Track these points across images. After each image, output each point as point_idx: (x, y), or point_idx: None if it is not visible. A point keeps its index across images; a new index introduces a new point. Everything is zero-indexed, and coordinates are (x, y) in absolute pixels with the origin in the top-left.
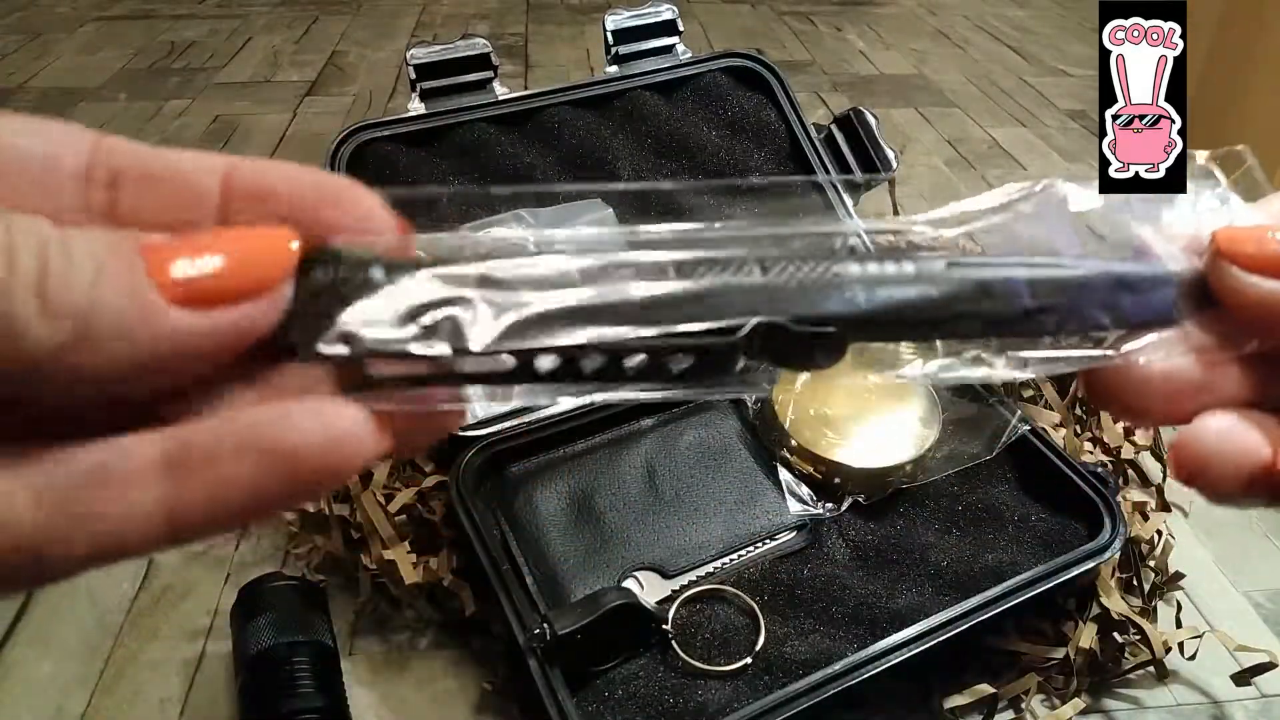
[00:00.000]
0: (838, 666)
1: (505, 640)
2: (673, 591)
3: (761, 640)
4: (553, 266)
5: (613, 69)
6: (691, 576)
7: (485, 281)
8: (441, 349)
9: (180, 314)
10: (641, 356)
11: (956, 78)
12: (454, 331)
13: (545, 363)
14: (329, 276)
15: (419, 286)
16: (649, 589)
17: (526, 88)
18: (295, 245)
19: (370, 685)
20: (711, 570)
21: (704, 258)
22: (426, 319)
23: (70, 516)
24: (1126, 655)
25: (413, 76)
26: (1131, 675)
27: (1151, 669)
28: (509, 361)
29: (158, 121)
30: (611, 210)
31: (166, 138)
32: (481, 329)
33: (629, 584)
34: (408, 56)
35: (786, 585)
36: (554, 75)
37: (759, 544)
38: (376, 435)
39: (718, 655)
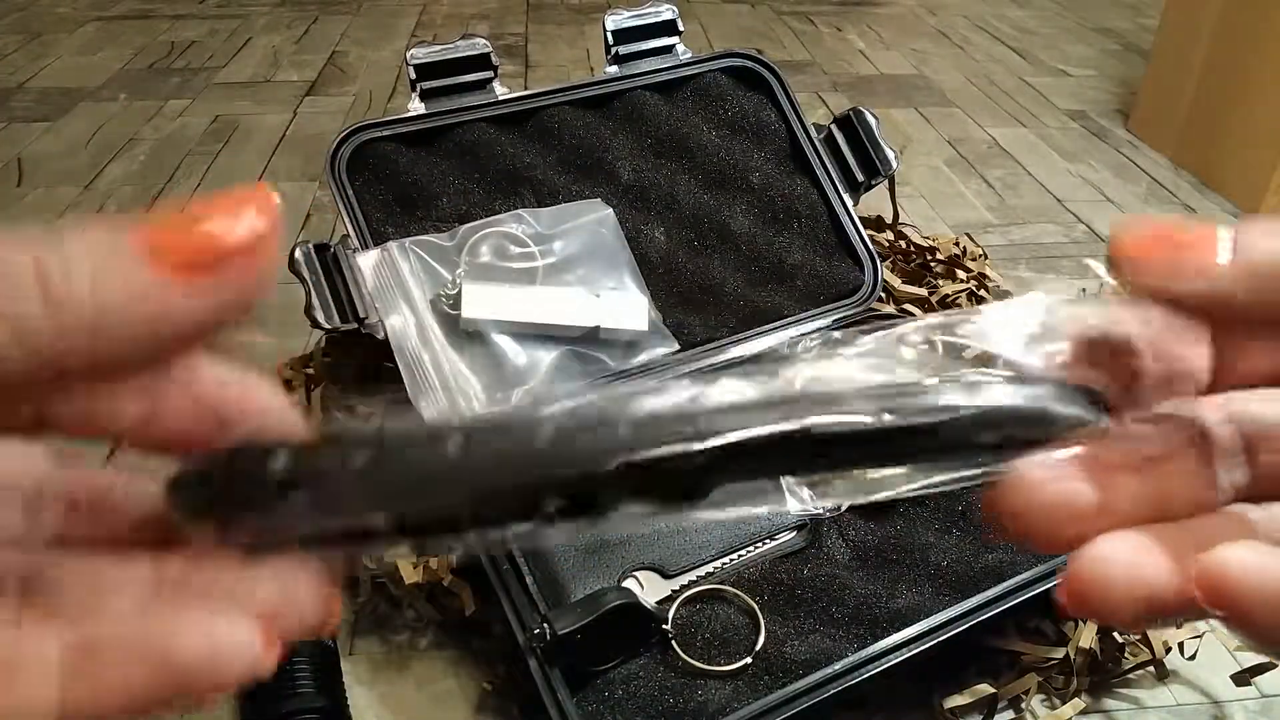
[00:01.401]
0: (838, 666)
1: (505, 640)
2: (673, 591)
3: (761, 640)
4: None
5: (613, 69)
6: (691, 576)
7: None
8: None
9: (185, 290)
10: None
11: (956, 78)
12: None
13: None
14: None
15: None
16: (649, 589)
17: (526, 88)
18: (272, 210)
19: (370, 685)
20: (711, 570)
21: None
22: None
23: None
24: (1126, 655)
25: (413, 76)
26: (1131, 675)
27: (1151, 669)
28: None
29: (157, 121)
30: (611, 211)
31: (167, 137)
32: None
33: (629, 584)
34: (408, 56)
35: (786, 585)
36: (554, 75)
37: (759, 544)
38: (262, 650)
39: (718, 655)
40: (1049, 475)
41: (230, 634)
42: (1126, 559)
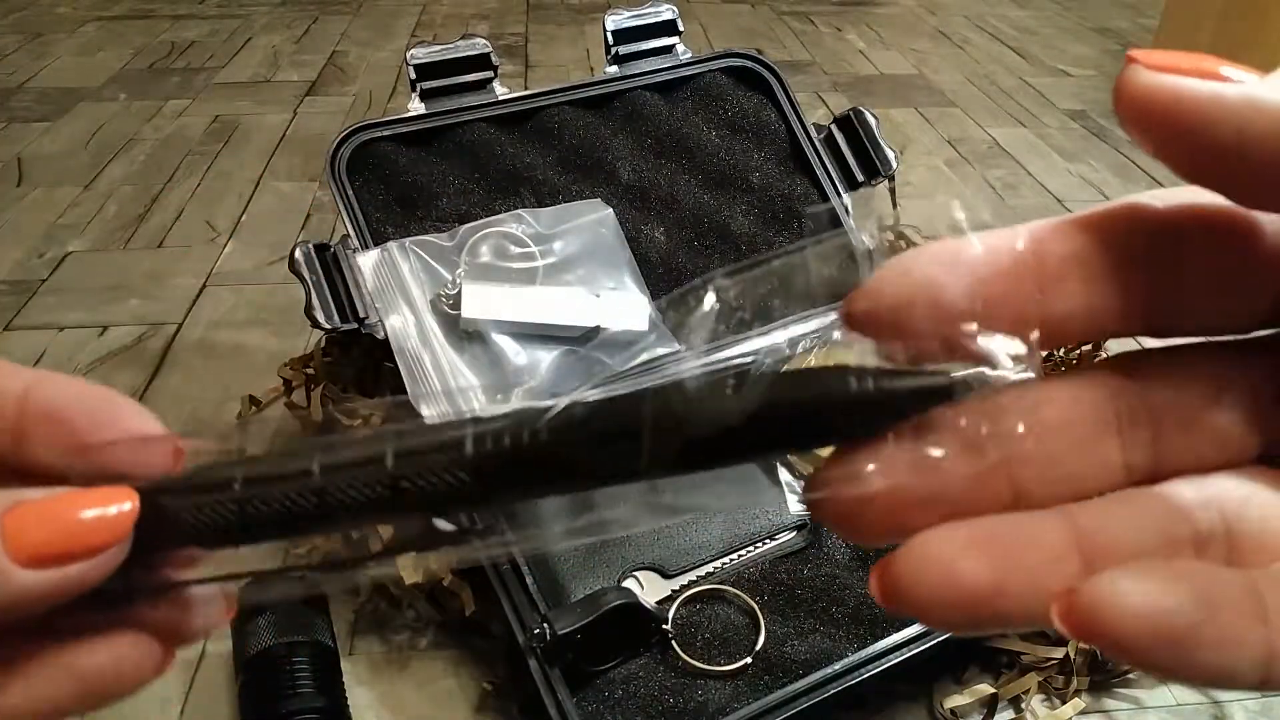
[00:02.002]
0: (838, 666)
1: (505, 640)
2: (673, 591)
3: (761, 640)
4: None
5: (613, 69)
6: (691, 576)
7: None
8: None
9: (26, 574)
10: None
11: (956, 78)
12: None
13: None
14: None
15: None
16: (649, 589)
17: (526, 88)
18: (129, 507)
19: (370, 685)
20: (711, 570)
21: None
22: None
23: None
24: None
25: (413, 76)
26: (1131, 675)
27: None
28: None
29: (157, 121)
30: (611, 211)
31: (166, 137)
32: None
33: (629, 584)
34: (408, 56)
35: (787, 585)
36: (554, 75)
37: (759, 544)
38: (158, 660)
39: (718, 655)
40: (873, 467)
41: (134, 650)
42: (947, 556)
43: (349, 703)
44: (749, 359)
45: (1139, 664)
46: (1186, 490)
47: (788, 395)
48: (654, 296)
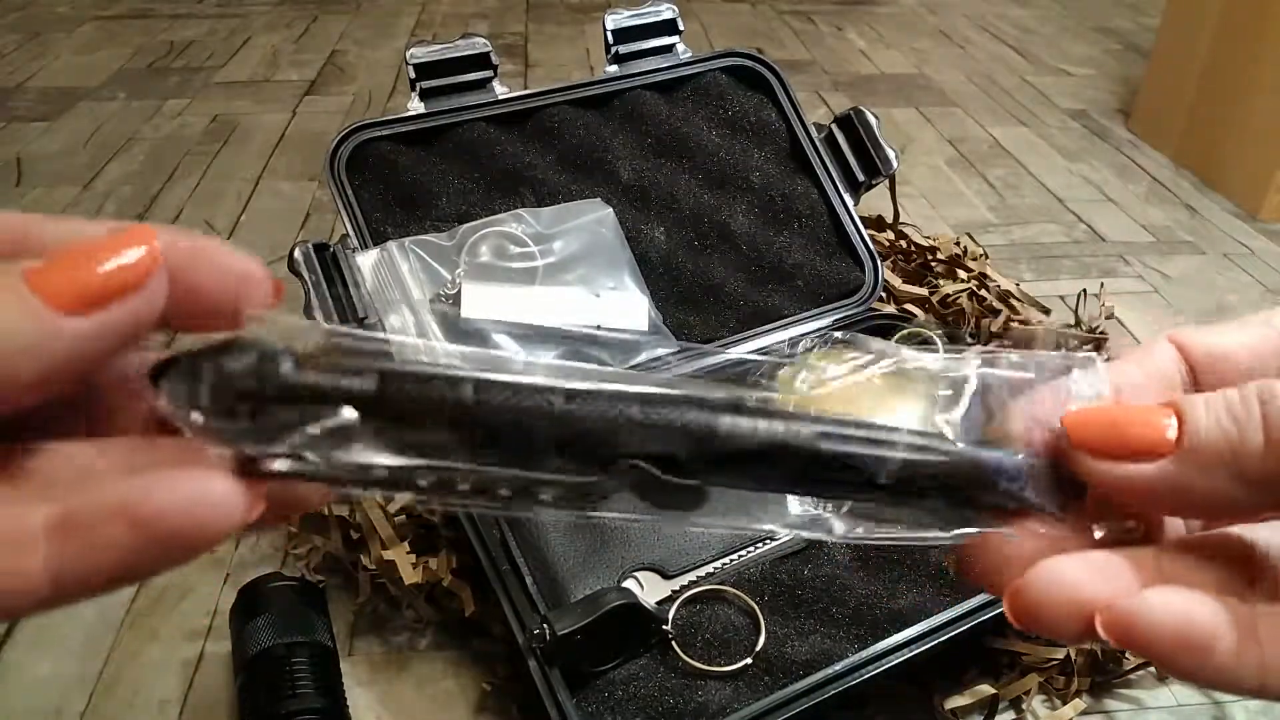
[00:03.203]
0: (838, 667)
1: (505, 640)
2: (673, 591)
3: (762, 640)
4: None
5: (613, 68)
6: (691, 576)
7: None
8: (342, 459)
9: (73, 320)
10: (507, 488)
11: (957, 77)
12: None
13: (423, 480)
14: (240, 365)
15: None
16: (649, 589)
17: (526, 87)
18: (158, 239)
19: (370, 685)
20: (711, 570)
21: (590, 389)
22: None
23: None
24: (1127, 655)
25: (412, 76)
26: (1132, 675)
27: (1152, 669)
28: (389, 474)
29: (157, 121)
30: (611, 210)
31: (166, 137)
32: (371, 453)
33: (629, 584)
34: (407, 56)
35: (787, 585)
36: (554, 74)
37: (759, 544)
38: (244, 506)
39: (718, 655)
40: (1022, 537)
41: (208, 489)
42: (1071, 577)
43: (349, 703)
44: (755, 358)
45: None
46: (1262, 531)
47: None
48: (654, 296)
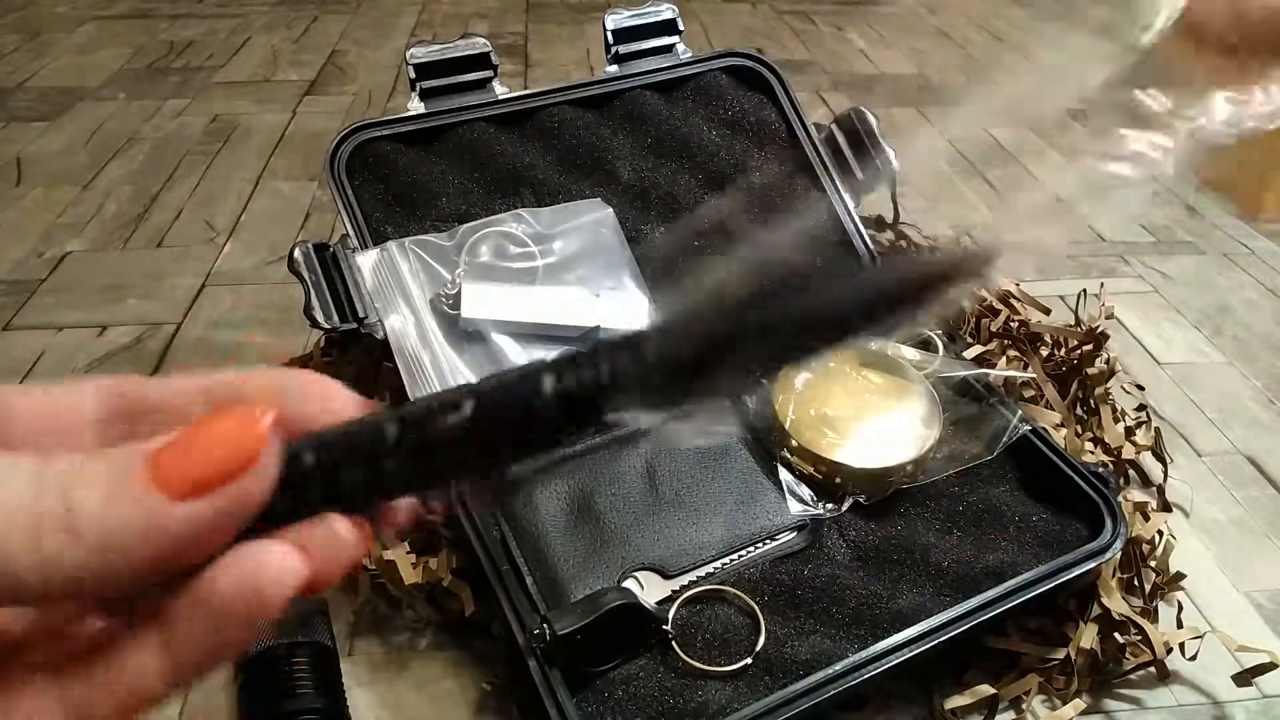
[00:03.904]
0: (838, 667)
1: (505, 640)
2: (673, 592)
3: (762, 641)
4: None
5: (613, 68)
6: (691, 577)
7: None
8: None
9: (183, 506)
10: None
11: (957, 77)
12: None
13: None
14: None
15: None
16: (649, 589)
17: (526, 87)
18: (268, 420)
19: (370, 685)
20: (711, 570)
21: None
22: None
23: (92, 695)
24: (1127, 656)
25: (412, 76)
26: (1132, 676)
27: (1152, 669)
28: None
29: (156, 121)
30: (611, 210)
31: (166, 137)
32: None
33: (629, 584)
34: (407, 56)
35: (787, 585)
36: (554, 74)
37: (759, 544)
38: (302, 571)
39: (718, 655)
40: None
41: (265, 560)
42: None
43: (349, 703)
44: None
45: None
46: None
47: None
48: (654, 297)
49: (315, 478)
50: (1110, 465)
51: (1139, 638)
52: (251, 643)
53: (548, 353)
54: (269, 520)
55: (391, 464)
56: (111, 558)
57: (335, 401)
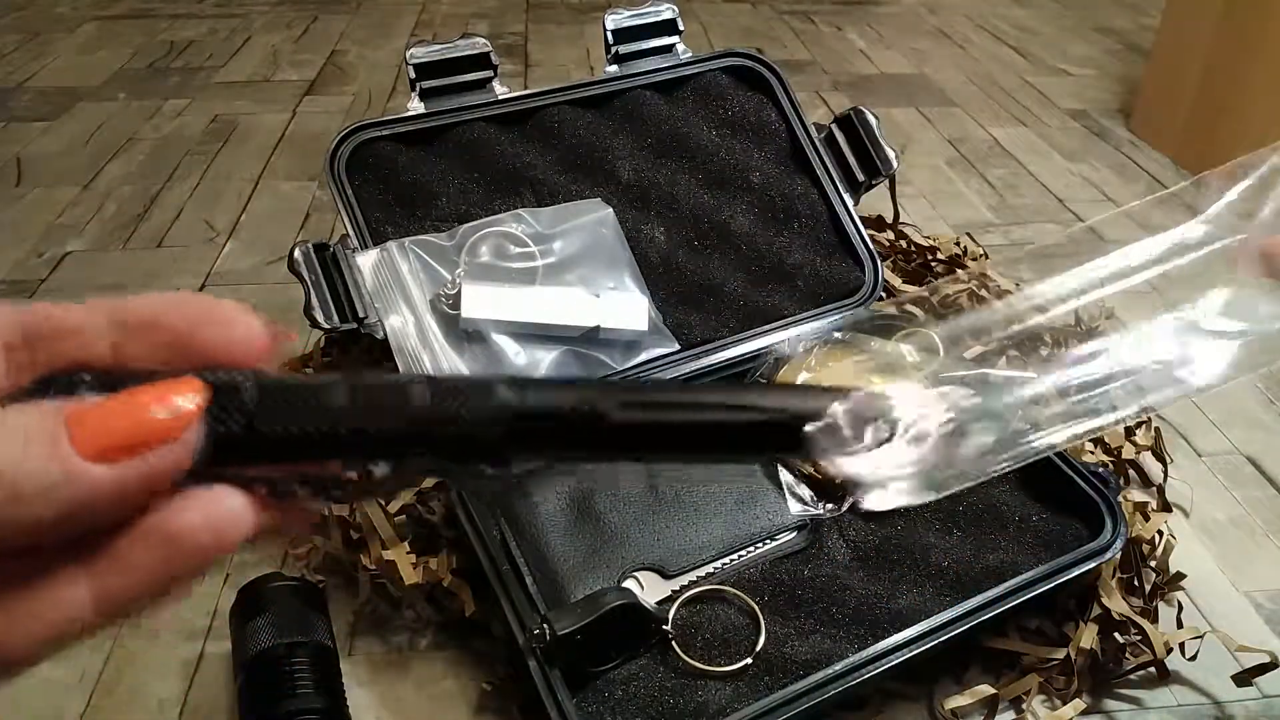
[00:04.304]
0: (838, 667)
1: (505, 640)
2: (673, 592)
3: (762, 641)
4: None
5: (613, 68)
6: (691, 577)
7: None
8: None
9: (99, 468)
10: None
11: (957, 77)
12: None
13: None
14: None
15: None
16: (649, 589)
17: (526, 87)
18: (196, 400)
19: (370, 685)
20: (711, 570)
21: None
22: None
23: (12, 623)
24: (1127, 656)
25: (412, 76)
26: (1133, 676)
27: (1152, 669)
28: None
29: (156, 121)
30: (611, 210)
31: (166, 137)
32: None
33: (629, 584)
34: (407, 56)
35: (787, 585)
36: (554, 74)
37: (759, 544)
38: (253, 518)
39: (718, 655)
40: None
41: (226, 506)
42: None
43: (349, 703)
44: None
45: None
46: None
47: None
48: (654, 296)
49: (241, 437)
50: (1110, 465)
51: (1139, 638)
52: (194, 583)
53: (548, 353)
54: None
55: (329, 431)
56: (23, 510)
57: (241, 328)
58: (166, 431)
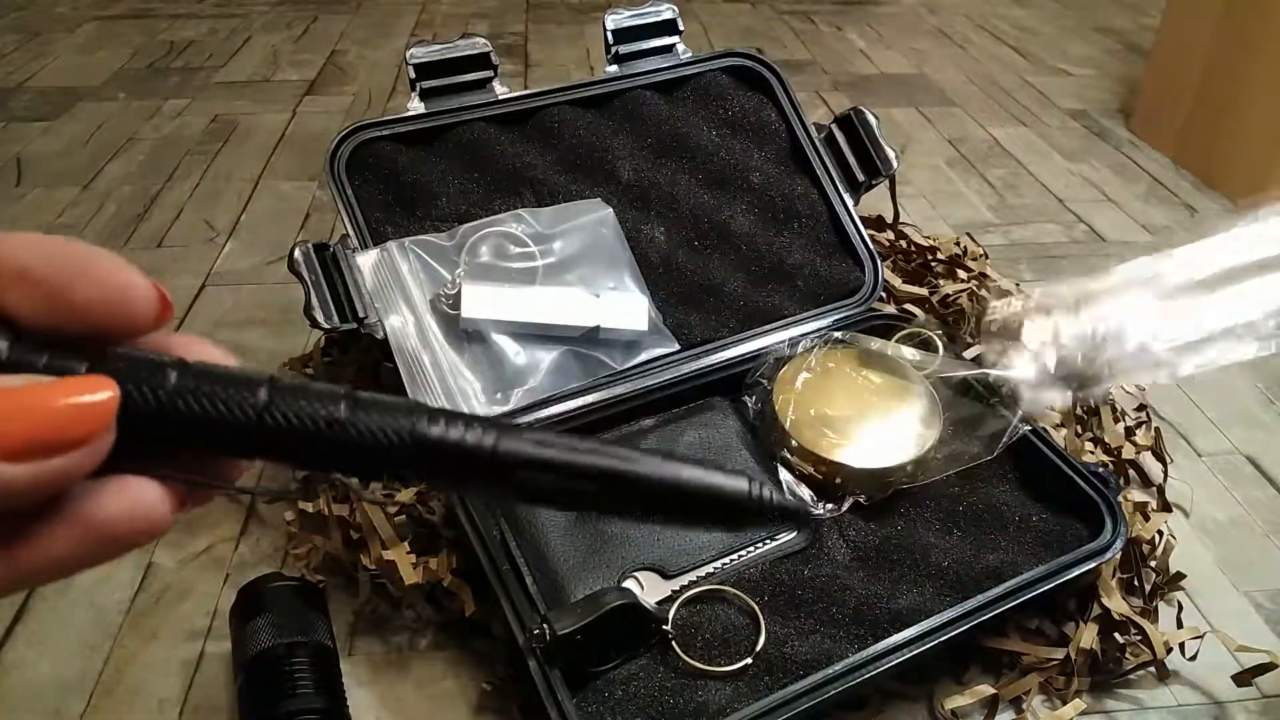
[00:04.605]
0: (838, 667)
1: (505, 640)
2: (673, 591)
3: (762, 641)
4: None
5: (613, 68)
6: (691, 576)
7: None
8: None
9: (11, 468)
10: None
11: (957, 77)
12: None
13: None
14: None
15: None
16: (649, 589)
17: (526, 87)
18: (109, 395)
19: (370, 685)
20: (711, 570)
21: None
22: None
23: None
24: (1127, 656)
25: (412, 76)
26: (1132, 676)
27: (1152, 669)
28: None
29: (157, 121)
30: (611, 210)
31: (166, 137)
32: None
33: (629, 584)
34: (407, 56)
35: (787, 585)
36: (554, 74)
37: (759, 544)
38: (169, 510)
39: (718, 655)
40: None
41: (146, 496)
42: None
43: (349, 703)
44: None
45: None
46: None
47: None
48: (654, 296)
49: (157, 425)
50: (1110, 465)
51: (1139, 638)
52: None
53: (548, 353)
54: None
55: (244, 429)
56: None
57: (118, 287)
58: (80, 433)
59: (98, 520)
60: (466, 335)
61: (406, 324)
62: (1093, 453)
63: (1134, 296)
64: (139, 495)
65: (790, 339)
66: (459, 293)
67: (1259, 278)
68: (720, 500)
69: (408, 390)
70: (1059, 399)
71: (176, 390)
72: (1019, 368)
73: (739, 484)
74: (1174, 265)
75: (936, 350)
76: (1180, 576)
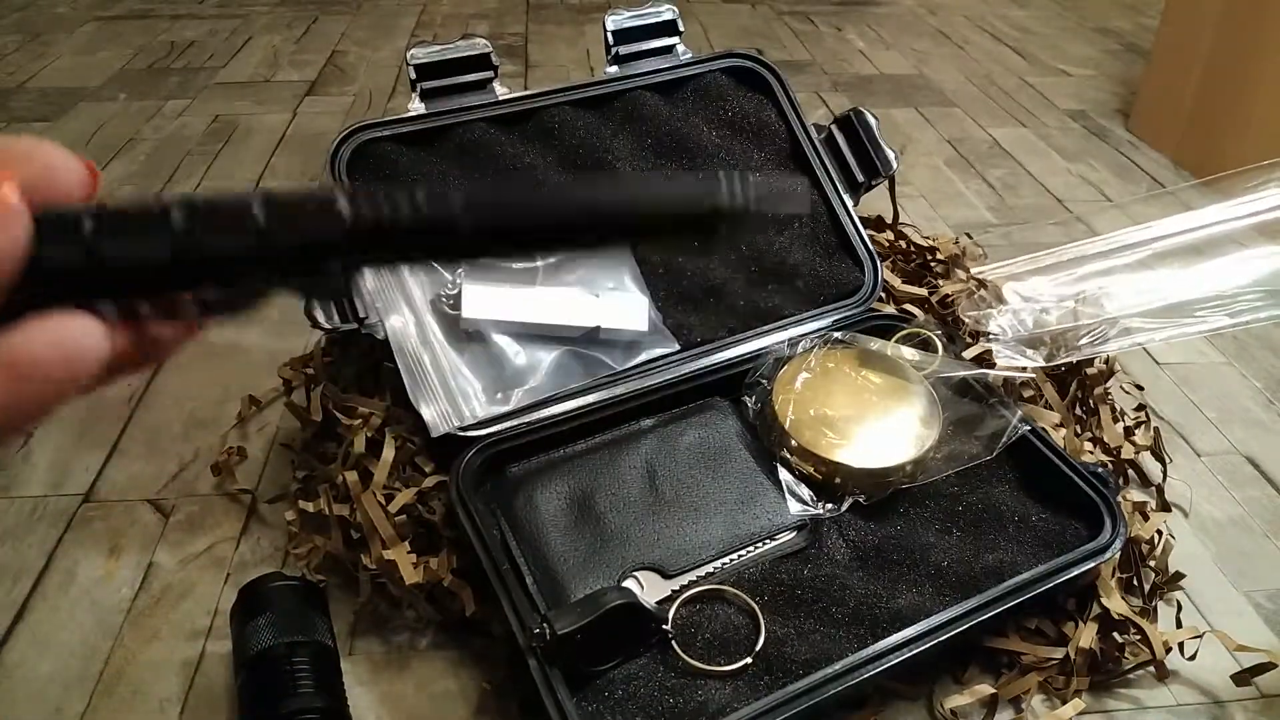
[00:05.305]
0: (838, 666)
1: (505, 640)
2: (673, 591)
3: (762, 640)
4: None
5: (613, 69)
6: (691, 576)
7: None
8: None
9: None
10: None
11: (956, 78)
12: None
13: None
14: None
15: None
16: (649, 589)
17: (526, 88)
18: (11, 192)
19: (370, 685)
20: (711, 570)
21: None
22: None
23: None
24: (1127, 655)
25: (413, 76)
26: (1132, 675)
27: (1152, 669)
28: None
29: (157, 121)
30: None
31: (166, 137)
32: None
33: (629, 584)
34: (408, 56)
35: (787, 585)
36: (554, 75)
37: (759, 544)
38: (105, 342)
39: (718, 655)
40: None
41: (75, 329)
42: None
43: (349, 703)
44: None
45: None
46: None
47: None
48: (654, 296)
49: (80, 257)
50: (1110, 465)
51: (1138, 637)
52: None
53: (548, 353)
54: (29, 297)
55: (166, 254)
56: None
57: (60, 168)
58: None
59: (24, 356)
60: (467, 335)
61: (407, 324)
62: (1092, 452)
63: (1107, 267)
64: (65, 326)
65: (790, 339)
66: (459, 293)
67: (1227, 254)
68: (693, 199)
69: (409, 390)
70: (1031, 360)
71: (94, 231)
72: (994, 328)
73: (711, 180)
74: (1148, 236)
75: (936, 350)
76: (1179, 576)
